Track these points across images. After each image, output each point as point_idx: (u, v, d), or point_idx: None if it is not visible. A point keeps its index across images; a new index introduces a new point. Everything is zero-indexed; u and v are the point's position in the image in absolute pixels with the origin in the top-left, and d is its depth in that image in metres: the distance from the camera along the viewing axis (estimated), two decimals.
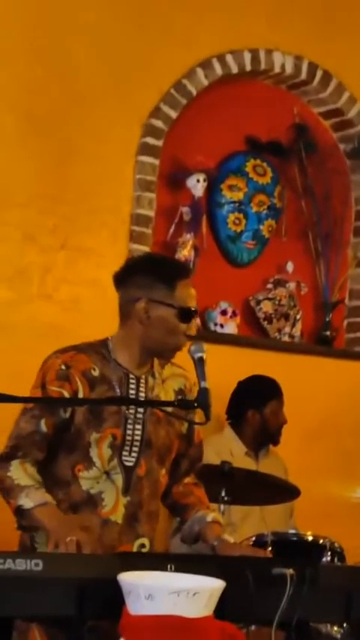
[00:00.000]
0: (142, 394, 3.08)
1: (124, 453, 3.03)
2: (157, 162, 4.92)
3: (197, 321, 3.16)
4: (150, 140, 4.90)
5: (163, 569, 2.58)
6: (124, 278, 3.12)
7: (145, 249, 4.86)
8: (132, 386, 3.08)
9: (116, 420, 3.03)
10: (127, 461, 3.03)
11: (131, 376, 3.08)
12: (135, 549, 3.03)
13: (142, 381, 3.10)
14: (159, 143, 4.92)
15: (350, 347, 5.51)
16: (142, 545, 3.06)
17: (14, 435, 3.01)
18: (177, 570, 2.59)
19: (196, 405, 2.92)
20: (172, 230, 5.03)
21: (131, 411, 3.04)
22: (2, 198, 4.58)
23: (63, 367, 3.03)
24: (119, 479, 3.02)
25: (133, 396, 3.06)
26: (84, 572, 2.55)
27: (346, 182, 5.51)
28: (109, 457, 3.01)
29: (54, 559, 2.58)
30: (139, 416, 3.06)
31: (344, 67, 5.40)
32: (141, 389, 3.09)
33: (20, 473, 2.94)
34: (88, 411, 3.01)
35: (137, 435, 3.05)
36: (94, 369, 3.05)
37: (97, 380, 3.04)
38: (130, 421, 3.04)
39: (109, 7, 4.80)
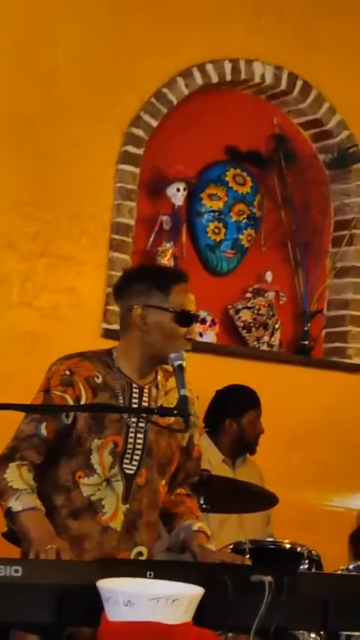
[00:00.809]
0: (144, 404, 3.10)
1: (125, 460, 3.05)
2: (137, 170, 4.94)
3: (196, 329, 3.14)
4: (130, 149, 4.92)
5: (143, 575, 2.59)
6: (121, 289, 3.16)
7: (125, 257, 4.87)
8: (135, 395, 3.09)
9: (118, 427, 3.04)
10: (127, 469, 3.05)
11: (134, 386, 3.10)
12: (133, 557, 3.04)
13: (146, 391, 3.11)
14: (139, 152, 4.94)
15: (328, 357, 5.53)
16: (140, 554, 3.06)
17: (14, 437, 3.03)
18: (156, 577, 2.59)
19: (175, 412, 2.92)
20: (152, 238, 5.04)
21: (133, 419, 3.06)
22: None
23: (67, 373, 3.05)
24: (120, 486, 3.03)
25: (135, 406, 3.07)
26: (63, 578, 2.55)
27: (326, 192, 5.53)
28: (110, 464, 3.03)
29: (33, 565, 2.59)
30: (141, 425, 3.07)
31: (324, 77, 5.43)
32: (144, 399, 3.10)
33: (15, 476, 2.96)
34: (90, 418, 3.03)
35: (139, 443, 3.06)
36: (98, 377, 3.06)
37: (100, 387, 3.06)
38: (131, 429, 3.05)
39: (91, 16, 4.81)
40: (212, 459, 4.73)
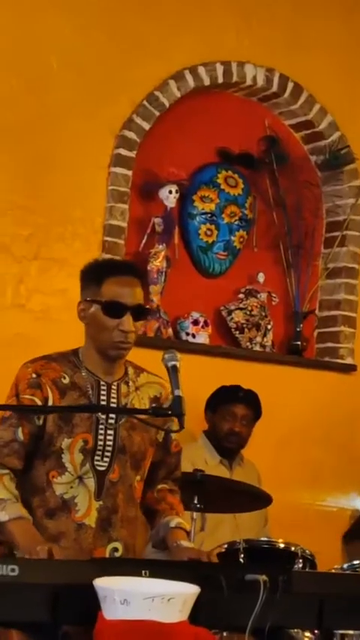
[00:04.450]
0: (113, 401, 3.12)
1: (97, 457, 3.07)
2: (129, 173, 4.95)
3: (130, 321, 3.08)
4: (123, 151, 4.93)
5: (138, 574, 2.60)
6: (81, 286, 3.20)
7: (118, 259, 4.88)
8: (103, 392, 3.11)
9: (87, 425, 3.07)
10: (99, 465, 3.07)
11: (102, 383, 3.12)
12: (108, 553, 3.06)
13: (114, 387, 3.13)
14: (132, 154, 4.95)
15: (320, 357, 5.55)
16: (115, 549, 3.08)
17: None
18: (151, 576, 2.61)
19: (170, 412, 2.94)
20: (144, 241, 5.05)
21: (103, 416, 3.08)
22: None
23: (34, 375, 3.09)
24: (91, 483, 3.06)
25: (104, 403, 3.10)
26: (60, 577, 2.57)
27: (317, 194, 5.55)
28: (81, 462, 3.05)
29: (30, 565, 2.60)
30: (111, 422, 3.09)
31: (315, 79, 5.45)
32: (112, 395, 3.12)
33: None
34: (58, 418, 3.06)
35: (109, 440, 3.08)
36: (64, 377, 3.09)
37: (68, 387, 3.08)
38: (101, 426, 3.08)
39: (83, 20, 4.83)
40: (209, 460, 4.74)
